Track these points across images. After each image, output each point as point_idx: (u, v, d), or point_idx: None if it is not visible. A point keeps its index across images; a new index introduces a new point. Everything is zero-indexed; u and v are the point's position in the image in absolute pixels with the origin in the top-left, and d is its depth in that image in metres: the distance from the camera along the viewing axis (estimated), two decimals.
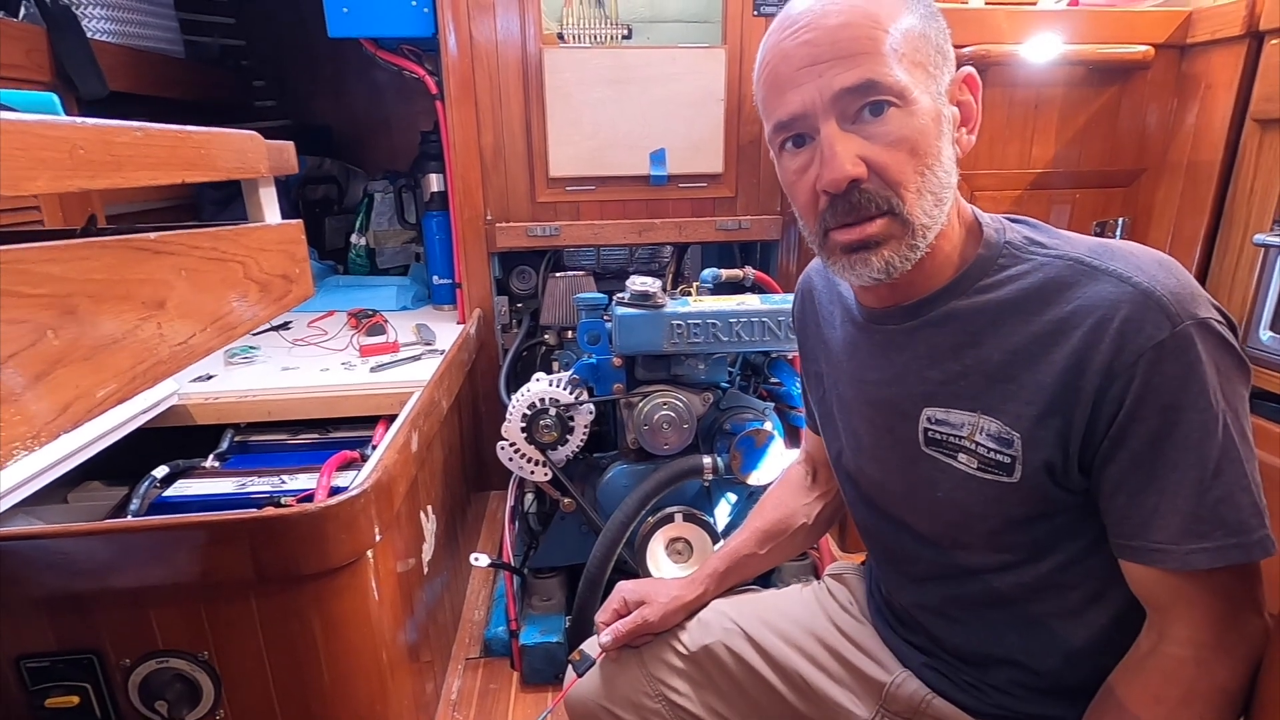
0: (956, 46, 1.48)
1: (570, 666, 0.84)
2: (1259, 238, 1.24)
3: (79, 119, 0.33)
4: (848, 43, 0.54)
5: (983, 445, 0.59)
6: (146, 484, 1.08)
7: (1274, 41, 1.25)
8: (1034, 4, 1.52)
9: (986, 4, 1.47)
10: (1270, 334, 1.23)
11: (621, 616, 0.82)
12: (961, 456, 0.61)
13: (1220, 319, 0.52)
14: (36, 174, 0.30)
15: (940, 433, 0.62)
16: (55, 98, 0.41)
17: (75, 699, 0.82)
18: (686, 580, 0.86)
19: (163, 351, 0.39)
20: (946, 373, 0.61)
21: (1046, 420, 0.55)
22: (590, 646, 0.85)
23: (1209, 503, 0.51)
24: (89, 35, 1.44)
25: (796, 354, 1.38)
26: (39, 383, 0.30)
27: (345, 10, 1.52)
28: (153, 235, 0.39)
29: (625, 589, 0.85)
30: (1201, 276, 1.41)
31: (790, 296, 1.31)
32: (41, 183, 0.31)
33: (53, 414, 0.31)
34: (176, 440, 1.22)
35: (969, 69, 0.60)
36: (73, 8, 1.42)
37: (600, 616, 0.84)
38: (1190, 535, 0.51)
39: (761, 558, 0.87)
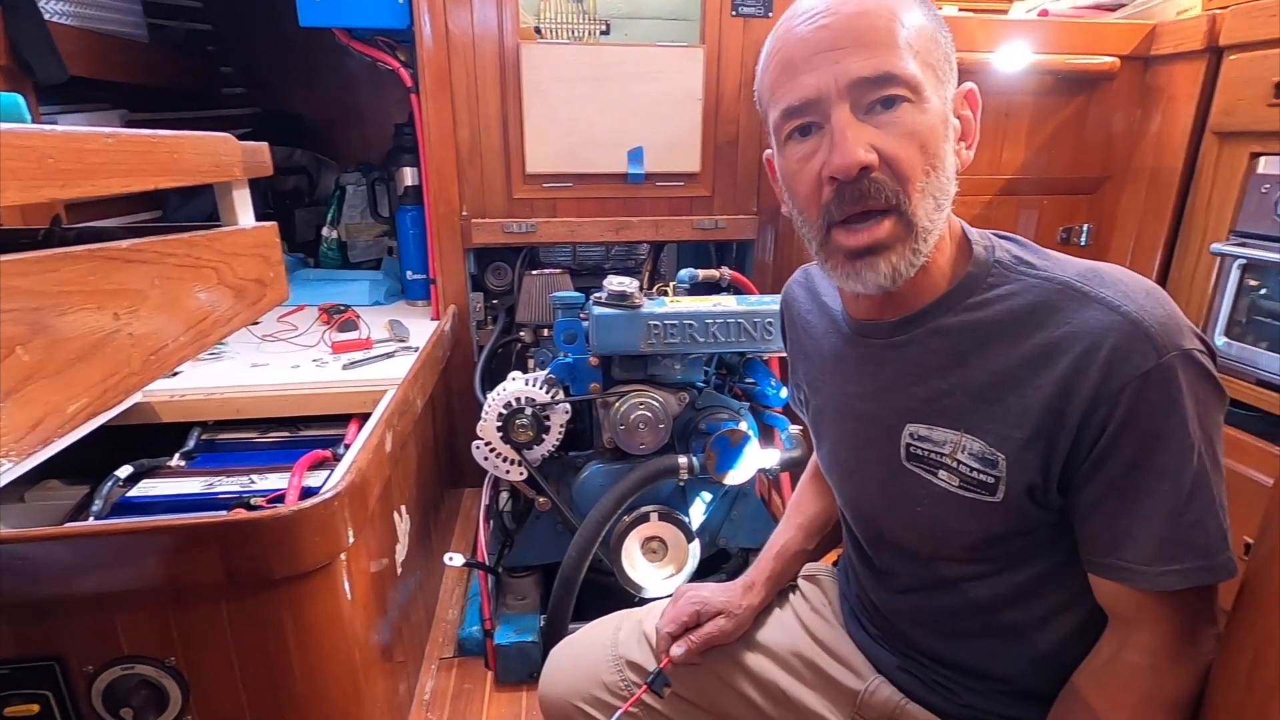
0: None
1: (647, 683, 0.80)
2: (1216, 247, 1.28)
3: (48, 126, 0.32)
4: (866, 31, 0.54)
5: (965, 464, 0.60)
6: (110, 484, 1.05)
7: (1232, 57, 1.29)
8: (1005, 13, 1.55)
9: (960, 12, 1.50)
10: (1225, 339, 1.28)
11: (688, 626, 0.80)
12: (942, 474, 0.61)
13: (1202, 349, 0.54)
14: (5, 185, 0.29)
15: (922, 449, 0.63)
16: (20, 99, 0.39)
17: (35, 707, 0.80)
18: (745, 587, 0.84)
19: (135, 363, 0.38)
20: (931, 390, 0.62)
21: (1032, 444, 0.56)
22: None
23: (1182, 527, 0.52)
24: (47, 18, 1.39)
25: (772, 355, 1.40)
26: (8, 400, 0.29)
27: None
28: (125, 244, 0.38)
29: (694, 599, 0.82)
30: (1161, 282, 1.46)
31: (766, 298, 1.32)
32: (10, 194, 0.30)
33: (23, 431, 0.30)
34: (140, 438, 1.19)
35: (971, 85, 0.60)
36: None
37: (666, 627, 0.81)
38: (1161, 558, 0.53)
39: (810, 554, 0.87)
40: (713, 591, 0.83)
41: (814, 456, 0.91)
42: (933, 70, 0.56)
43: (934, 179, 0.56)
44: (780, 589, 0.86)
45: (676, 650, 0.79)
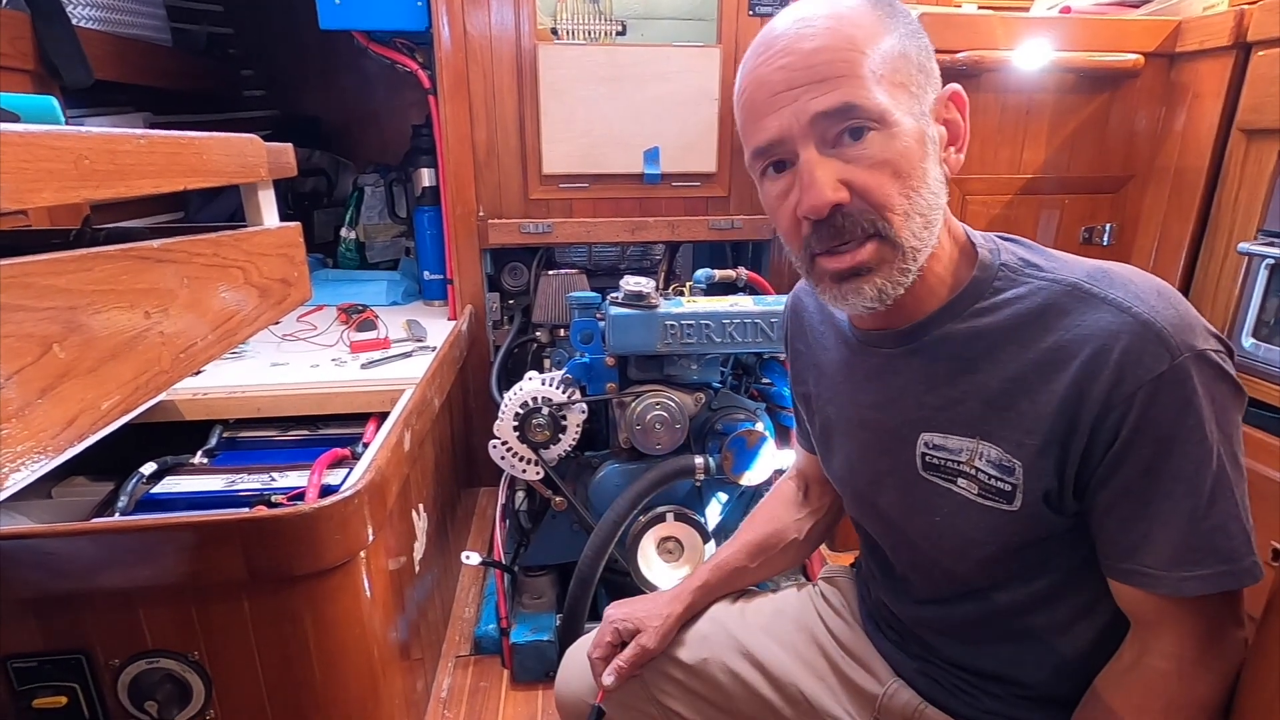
0: (950, 51, 1.48)
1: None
2: (1243, 246, 1.26)
3: (82, 129, 0.33)
4: (824, 66, 0.53)
5: (983, 471, 0.59)
6: (134, 481, 1.07)
7: (1261, 53, 1.26)
8: (1027, 10, 1.53)
9: (980, 10, 1.48)
10: (1253, 341, 1.26)
11: (615, 648, 0.80)
12: (961, 481, 0.61)
13: (1218, 348, 0.52)
14: (42, 186, 0.30)
15: (938, 458, 0.62)
16: (55, 101, 0.40)
17: (63, 699, 0.82)
18: (672, 595, 0.84)
19: (165, 361, 0.39)
20: (943, 398, 0.61)
21: (1047, 449, 0.55)
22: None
23: (1202, 531, 0.51)
24: (74, 22, 1.41)
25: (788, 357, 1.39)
26: (44, 397, 0.30)
27: (338, 1, 1.50)
28: (155, 244, 0.39)
29: (614, 618, 0.82)
30: (1186, 283, 1.44)
31: (783, 299, 1.31)
32: (47, 195, 0.30)
33: (59, 428, 0.31)
34: (163, 436, 1.21)
35: (955, 86, 0.58)
36: None
37: (594, 653, 0.81)
38: (1182, 563, 0.52)
39: (751, 571, 0.86)
40: (634, 606, 0.83)
41: (781, 481, 0.92)
42: (904, 89, 0.54)
43: (916, 199, 0.55)
44: (714, 600, 0.85)
45: (608, 680, 0.78)
